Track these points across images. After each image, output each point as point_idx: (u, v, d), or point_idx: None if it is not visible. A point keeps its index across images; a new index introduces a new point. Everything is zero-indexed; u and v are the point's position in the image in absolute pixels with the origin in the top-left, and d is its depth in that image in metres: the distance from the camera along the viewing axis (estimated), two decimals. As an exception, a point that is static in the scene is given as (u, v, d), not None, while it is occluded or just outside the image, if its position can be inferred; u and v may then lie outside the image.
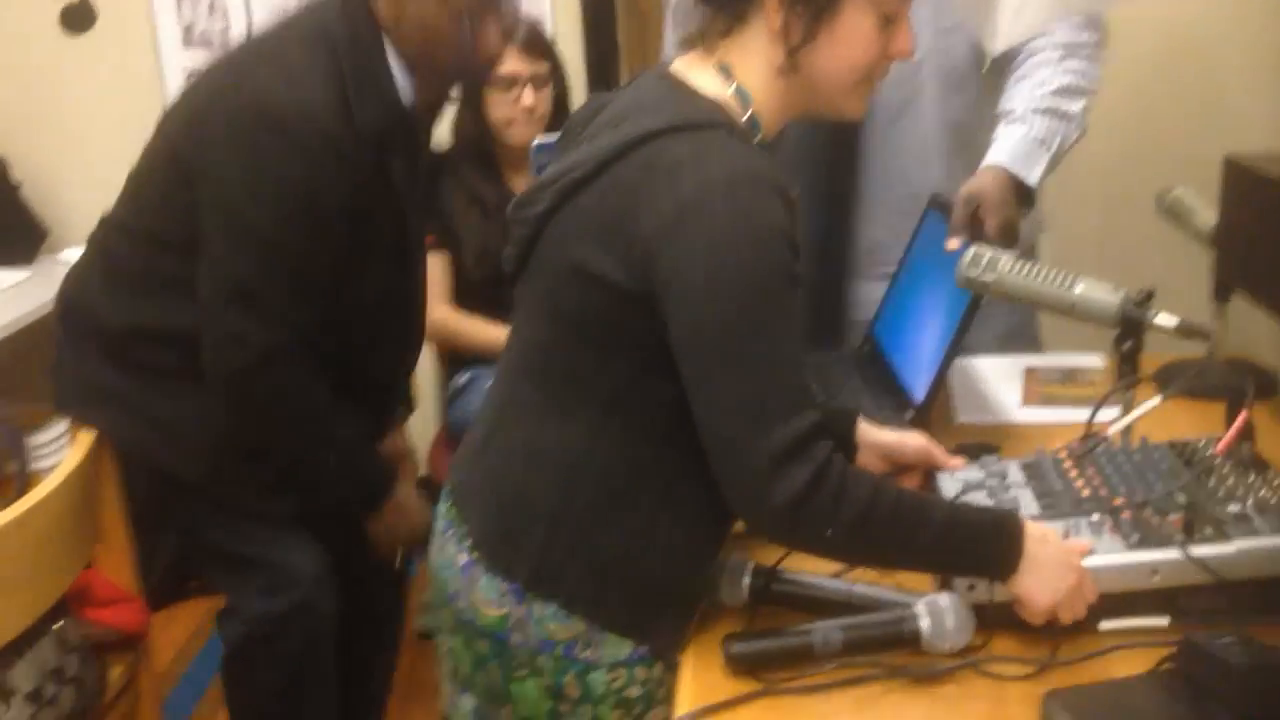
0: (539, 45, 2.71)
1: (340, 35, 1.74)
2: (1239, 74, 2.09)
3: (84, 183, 2.04)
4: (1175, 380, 1.85)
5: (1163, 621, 1.27)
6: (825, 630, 1.26)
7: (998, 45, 1.07)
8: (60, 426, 2.85)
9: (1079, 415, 1.56)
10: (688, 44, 1.34)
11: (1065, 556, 1.25)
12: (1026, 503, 1.39)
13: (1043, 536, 1.26)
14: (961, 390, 1.97)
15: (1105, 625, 1.28)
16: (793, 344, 1.20)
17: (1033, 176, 1.90)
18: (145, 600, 2.13)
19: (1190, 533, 1.28)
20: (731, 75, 1.29)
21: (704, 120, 1.24)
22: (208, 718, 2.37)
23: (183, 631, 3.05)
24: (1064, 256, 2.08)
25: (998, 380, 1.98)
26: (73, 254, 2.12)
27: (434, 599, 1.45)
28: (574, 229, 1.26)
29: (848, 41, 1.27)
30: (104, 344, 1.97)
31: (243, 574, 2.04)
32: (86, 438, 1.94)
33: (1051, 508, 1.37)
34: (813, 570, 1.36)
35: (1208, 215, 1.96)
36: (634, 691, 1.31)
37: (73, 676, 1.83)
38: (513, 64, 2.65)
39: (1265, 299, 1.82)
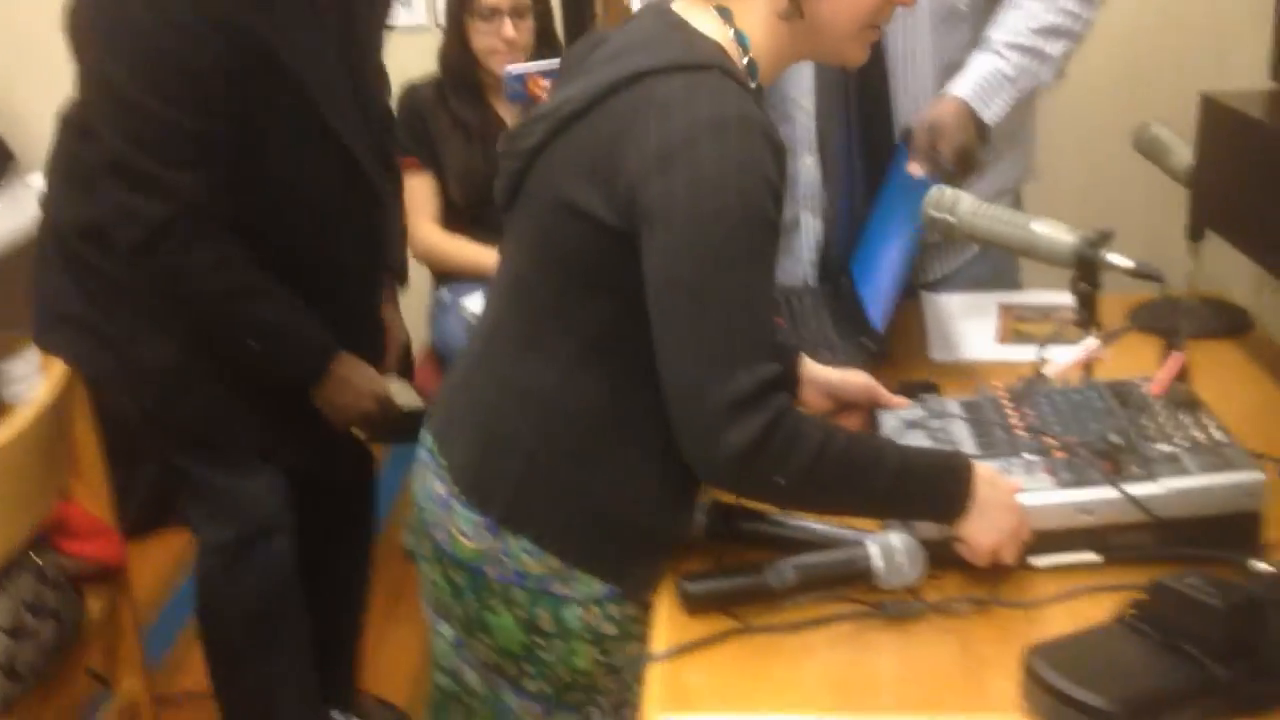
0: None
1: None
2: (1222, 14, 2.09)
3: (47, 103, 2.01)
4: (1142, 318, 1.90)
5: (1094, 557, 1.32)
6: (779, 567, 1.29)
7: None
8: (34, 354, 2.87)
9: (1052, 351, 1.59)
10: None
11: (1009, 499, 1.29)
12: (963, 440, 1.43)
13: (991, 479, 1.30)
14: (936, 327, 1.99)
15: (1038, 561, 1.33)
16: (763, 292, 1.22)
17: (990, 112, 1.90)
18: (124, 530, 2.17)
19: (1119, 472, 1.33)
20: (730, 19, 1.30)
21: (701, 61, 1.24)
22: (189, 648, 2.42)
23: (163, 561, 3.10)
24: (1049, 200, 2.12)
25: (972, 317, 2.00)
26: (39, 177, 2.12)
27: (414, 525, 1.48)
28: (563, 163, 1.27)
29: None
30: (61, 250, 1.96)
31: (201, 503, 2.10)
32: (58, 368, 1.97)
33: (988, 447, 1.41)
34: (769, 509, 1.39)
35: (1184, 154, 1.97)
36: (608, 628, 1.35)
37: (51, 610, 1.87)
38: None
39: (1238, 238, 1.85)
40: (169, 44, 1.65)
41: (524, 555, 1.33)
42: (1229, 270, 2.07)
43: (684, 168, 1.18)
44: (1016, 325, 1.98)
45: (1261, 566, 1.28)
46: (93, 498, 2.11)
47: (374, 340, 2.16)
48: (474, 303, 2.68)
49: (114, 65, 1.70)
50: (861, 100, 1.99)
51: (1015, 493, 1.30)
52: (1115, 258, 1.60)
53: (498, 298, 1.41)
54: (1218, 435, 1.38)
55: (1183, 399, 1.45)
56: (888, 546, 1.30)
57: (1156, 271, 1.55)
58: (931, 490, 1.28)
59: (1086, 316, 1.71)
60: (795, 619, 1.27)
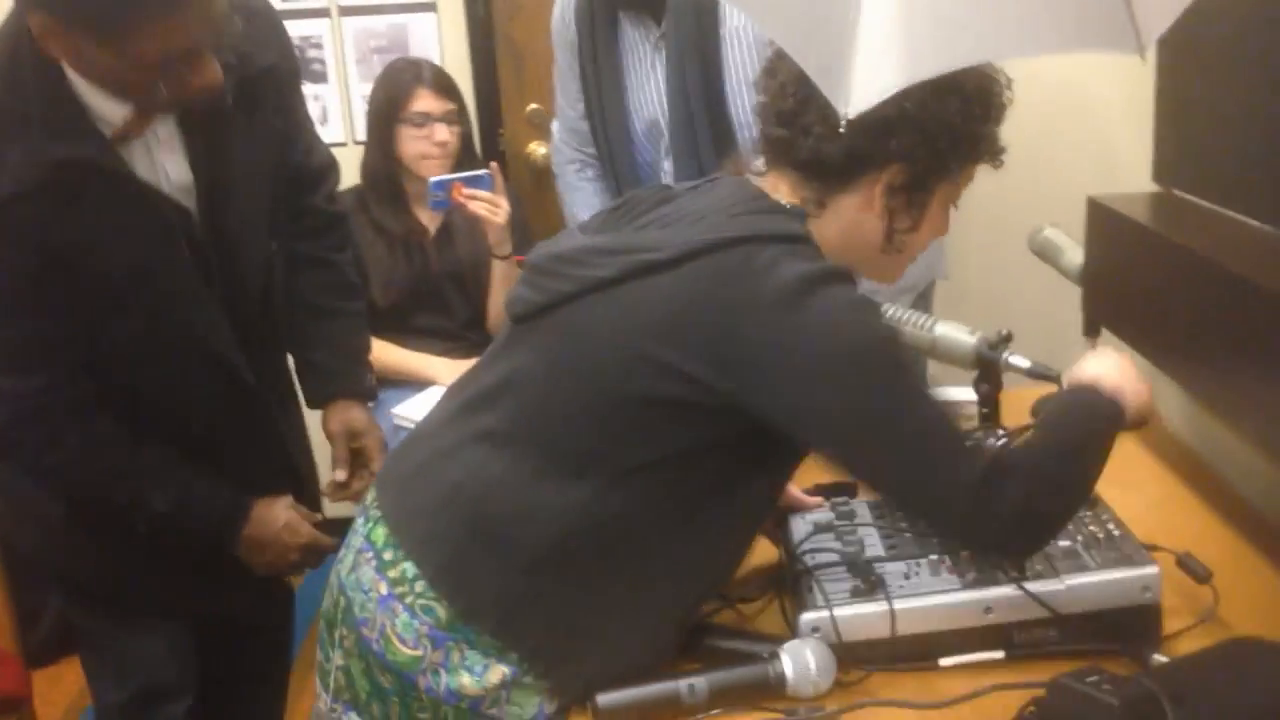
0: (448, 86, 2.85)
1: None
2: (1110, 120, 2.18)
3: None
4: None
5: (998, 655, 1.34)
6: (692, 680, 1.30)
7: (850, 109, 1.13)
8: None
9: None
10: (773, 159, 1.38)
11: (1127, 370, 1.42)
12: (873, 543, 1.45)
13: (1104, 373, 1.39)
14: None
15: (944, 661, 1.34)
16: (924, 390, 1.29)
17: None
18: (30, 658, 2.11)
19: (1022, 570, 1.35)
20: (804, 222, 1.35)
21: (795, 234, 1.30)
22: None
23: (74, 686, 3.00)
24: (957, 298, 2.17)
25: None
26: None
27: (331, 614, 1.45)
28: (646, 309, 1.27)
29: (930, 225, 1.38)
30: None
31: (95, 658, 1.99)
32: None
33: (894, 548, 1.43)
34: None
35: (1076, 254, 2.04)
36: None
37: (-52, 745, 1.80)
38: (425, 103, 2.79)
39: (1130, 335, 1.91)
40: None
41: (464, 675, 1.31)
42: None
43: (811, 326, 1.22)
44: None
45: (1162, 659, 1.31)
46: (-5, 625, 2.05)
47: (292, 472, 2.02)
48: (409, 409, 2.68)
49: None
50: (706, 101, 2.08)
51: (1121, 366, 1.42)
52: (1015, 358, 1.65)
53: (487, 400, 1.38)
54: (1114, 530, 1.41)
55: None
56: (800, 656, 1.31)
57: (1052, 372, 1.61)
58: (1101, 423, 1.34)
59: (989, 414, 1.76)
60: (707, 727, 1.27)
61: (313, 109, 3.49)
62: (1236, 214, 1.69)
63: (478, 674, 1.31)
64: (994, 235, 2.54)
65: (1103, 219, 1.93)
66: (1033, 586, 1.33)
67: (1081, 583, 1.34)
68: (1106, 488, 1.50)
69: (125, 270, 1.67)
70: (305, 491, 2.03)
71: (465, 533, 1.34)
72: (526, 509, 1.32)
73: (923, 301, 2.36)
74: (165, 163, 1.72)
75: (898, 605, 1.34)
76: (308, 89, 3.50)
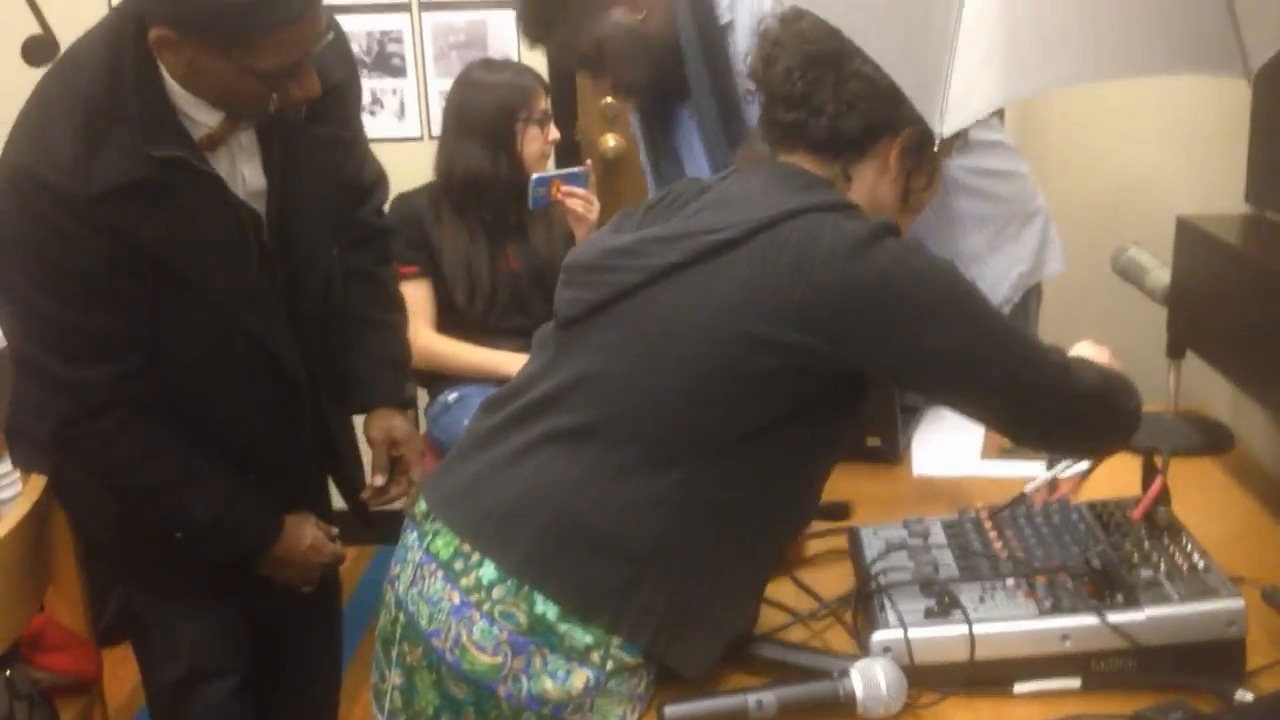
0: (546, 85, 2.90)
1: (95, 77, 1.65)
2: (1203, 139, 2.14)
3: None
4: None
5: (1075, 683, 1.32)
6: (760, 695, 1.29)
7: (946, 128, 1.12)
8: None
9: (1036, 469, 1.62)
10: (788, 142, 1.42)
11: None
12: (946, 563, 1.43)
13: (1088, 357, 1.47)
14: (921, 441, 2.00)
15: (1019, 688, 1.32)
16: (993, 305, 1.37)
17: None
18: (98, 639, 2.14)
19: (1101, 598, 1.33)
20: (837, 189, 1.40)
21: (845, 202, 1.35)
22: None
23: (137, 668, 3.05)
24: (1041, 317, 2.17)
25: (958, 431, 1.99)
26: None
27: (387, 632, 1.45)
28: (719, 288, 1.30)
29: (936, 182, 1.46)
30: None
31: (146, 640, 2.05)
32: (38, 479, 1.95)
33: (969, 569, 1.41)
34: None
35: (1161, 274, 2.01)
36: None
37: (22, 724, 1.84)
38: (543, 102, 2.85)
39: (1215, 356, 1.87)
40: (53, 250, 1.65)
41: (546, 677, 1.31)
42: (1210, 387, 2.08)
43: (890, 267, 1.28)
44: (1002, 442, 1.98)
45: (1246, 696, 1.28)
46: (68, 608, 2.08)
47: (336, 467, 2.11)
48: None
49: (10, 273, 1.71)
50: (713, 69, 1.98)
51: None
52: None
53: (552, 404, 1.38)
54: (1198, 560, 1.38)
55: (1164, 522, 1.45)
56: (871, 675, 1.29)
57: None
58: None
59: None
60: (775, 747, 1.26)
61: (390, 103, 3.54)
62: (1332, 239, 1.65)
63: (561, 679, 1.31)
64: (1083, 253, 2.50)
65: (1192, 239, 1.89)
66: (1113, 617, 1.30)
67: (1163, 614, 1.31)
68: (1189, 515, 1.47)
69: (200, 269, 1.73)
70: (346, 485, 2.12)
71: (557, 536, 1.33)
72: (623, 504, 1.32)
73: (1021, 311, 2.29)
74: (244, 169, 1.79)
75: (975, 629, 1.32)
76: (386, 83, 3.54)
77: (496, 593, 1.33)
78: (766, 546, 1.41)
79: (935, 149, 1.36)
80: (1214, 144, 2.04)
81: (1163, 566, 1.38)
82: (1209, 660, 1.31)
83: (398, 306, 2.18)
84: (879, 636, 1.34)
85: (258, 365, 1.85)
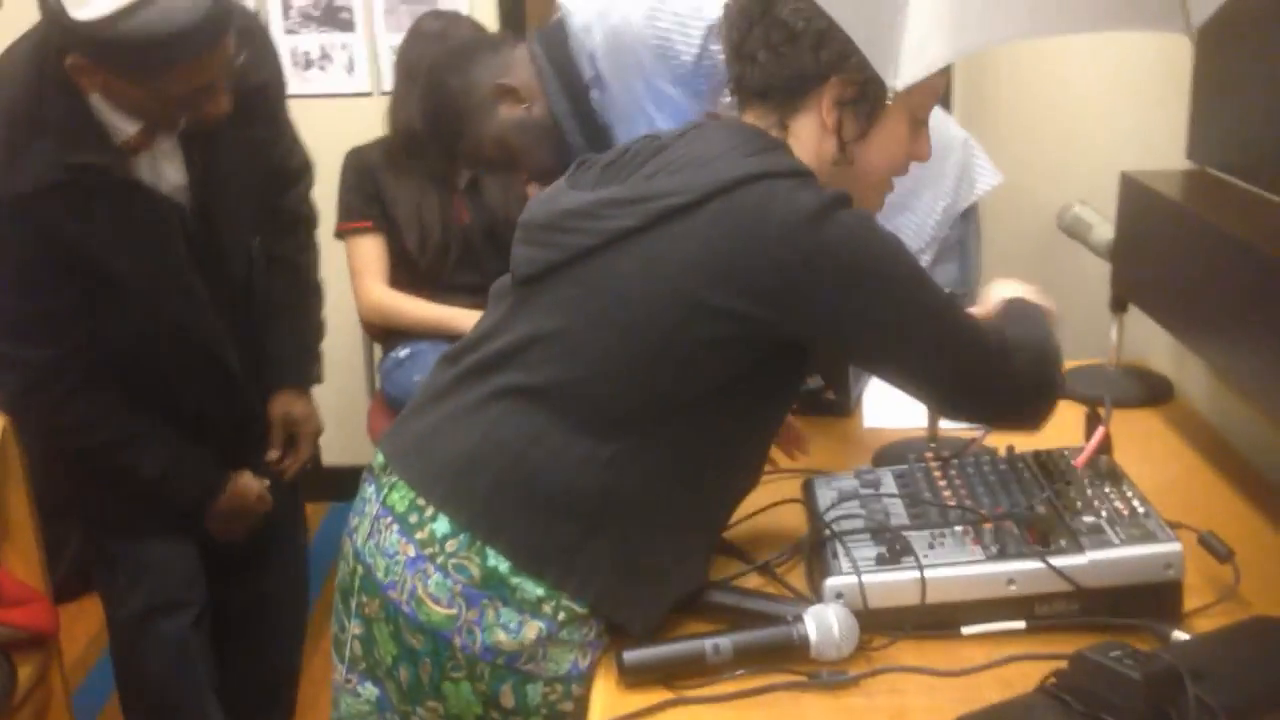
0: None
1: (18, 90, 1.80)
2: (1145, 96, 2.17)
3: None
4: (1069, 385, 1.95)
5: (1019, 625, 1.36)
6: (716, 640, 1.32)
7: (899, 82, 1.15)
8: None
9: None
10: (744, 103, 1.45)
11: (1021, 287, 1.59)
12: (897, 512, 1.47)
13: (1008, 288, 1.58)
14: (873, 395, 2.02)
15: (967, 630, 1.36)
16: (938, 286, 1.38)
17: None
18: (54, 592, 2.15)
19: (1045, 544, 1.37)
20: (786, 149, 1.41)
21: (801, 169, 1.36)
22: (119, 708, 2.38)
23: (94, 620, 3.04)
24: (985, 272, 2.20)
25: None
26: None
27: (345, 584, 1.47)
28: (674, 253, 1.31)
29: (888, 140, 1.43)
30: None
31: (109, 572, 2.12)
32: (-10, 433, 1.96)
33: (920, 518, 1.45)
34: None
35: (1105, 230, 2.05)
36: (566, 706, 1.37)
37: (-20, 679, 1.84)
38: None
39: (1156, 310, 1.92)
40: (2, 240, 1.81)
41: (499, 629, 1.33)
42: (1152, 340, 2.14)
43: (840, 238, 1.30)
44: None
45: (1182, 636, 1.33)
46: (24, 562, 2.09)
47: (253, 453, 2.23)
48: None
49: None
50: (587, 135, 2.05)
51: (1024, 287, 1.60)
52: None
53: (508, 359, 1.39)
54: (1139, 507, 1.43)
55: (1106, 471, 1.50)
56: (824, 619, 1.33)
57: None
58: (1044, 318, 1.52)
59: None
60: (731, 689, 1.29)
61: (339, 58, 3.52)
62: (1270, 194, 1.69)
63: (514, 631, 1.33)
64: (1025, 210, 2.54)
65: (1135, 195, 1.93)
66: (1056, 561, 1.35)
67: (1104, 558, 1.35)
68: (1130, 464, 1.52)
69: (125, 265, 1.89)
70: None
71: (508, 492, 1.35)
72: (572, 463, 1.34)
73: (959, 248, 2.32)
74: (165, 168, 1.93)
75: (925, 574, 1.36)
76: (335, 38, 3.51)
77: (450, 546, 1.35)
78: (713, 509, 1.45)
79: (875, 101, 1.37)
80: (1158, 101, 2.07)
81: (1104, 513, 1.42)
82: (1147, 602, 1.35)
83: (312, 291, 2.33)
84: (832, 582, 1.37)
85: (188, 349, 2.01)
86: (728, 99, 1.50)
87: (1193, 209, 1.79)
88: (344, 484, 3.08)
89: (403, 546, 1.38)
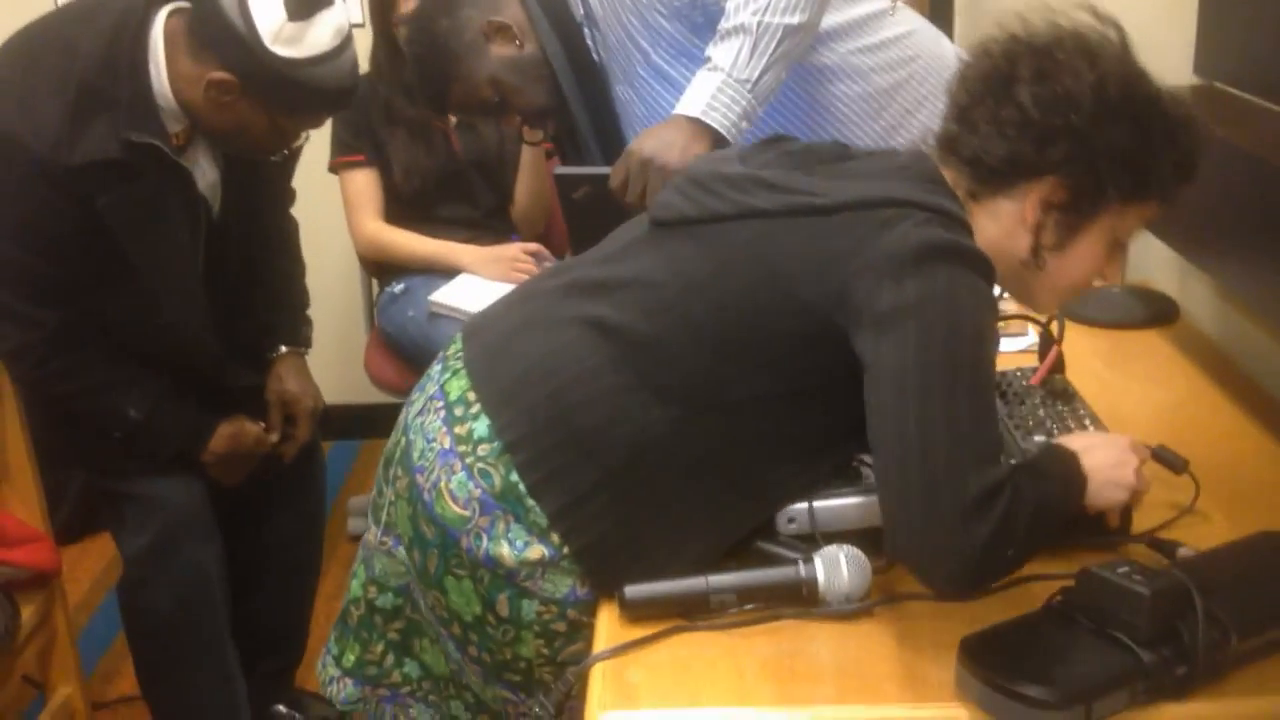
0: None
1: (91, 63, 1.81)
2: (1151, 10, 2.13)
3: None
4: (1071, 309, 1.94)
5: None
6: (721, 580, 1.30)
7: None
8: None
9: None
10: (943, 150, 1.36)
11: (1116, 455, 1.31)
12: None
13: (1086, 447, 1.31)
14: None
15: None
16: (989, 401, 1.25)
17: (718, 115, 1.76)
18: (57, 535, 2.15)
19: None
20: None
21: (953, 211, 1.29)
22: (124, 653, 2.39)
23: (98, 564, 3.06)
24: None
25: None
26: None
27: (390, 452, 1.48)
28: (786, 243, 1.30)
29: (1085, 255, 1.33)
30: None
31: (118, 511, 2.11)
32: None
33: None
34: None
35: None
36: (559, 626, 1.36)
37: (-17, 618, 1.85)
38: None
39: (1160, 228, 1.88)
40: (24, 206, 1.83)
41: (504, 542, 1.33)
42: (1157, 260, 2.11)
43: (939, 287, 1.21)
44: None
45: (1187, 552, 1.32)
46: (24, 503, 2.08)
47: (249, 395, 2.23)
48: (445, 296, 2.68)
49: None
50: (580, 76, 2.02)
51: (1117, 445, 1.32)
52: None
53: (604, 290, 1.37)
54: (1088, 424, 1.43)
55: (1059, 389, 1.49)
56: (831, 560, 1.29)
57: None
58: (1065, 490, 1.27)
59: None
60: (737, 619, 1.28)
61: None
62: (1278, 107, 1.66)
63: (518, 548, 1.33)
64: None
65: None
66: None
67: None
68: (1130, 382, 1.51)
69: (148, 244, 1.92)
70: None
71: (547, 414, 1.34)
72: (612, 414, 1.32)
73: None
74: (205, 164, 1.99)
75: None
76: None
77: (481, 450, 1.35)
78: (725, 523, 1.35)
79: (1082, 214, 1.30)
80: (1164, 15, 2.03)
81: (1056, 430, 1.41)
82: (1095, 520, 1.32)
83: (298, 258, 2.35)
84: (784, 511, 1.34)
85: (180, 332, 2.04)
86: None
87: (1201, 124, 1.75)
88: (342, 423, 3.08)
89: (440, 435, 1.39)
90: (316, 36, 1.81)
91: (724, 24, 1.77)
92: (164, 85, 1.85)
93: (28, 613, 2.01)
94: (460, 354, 1.45)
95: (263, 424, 2.19)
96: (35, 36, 1.90)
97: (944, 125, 1.36)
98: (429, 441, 1.40)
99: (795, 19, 1.73)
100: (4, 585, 1.95)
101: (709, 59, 1.77)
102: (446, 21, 1.94)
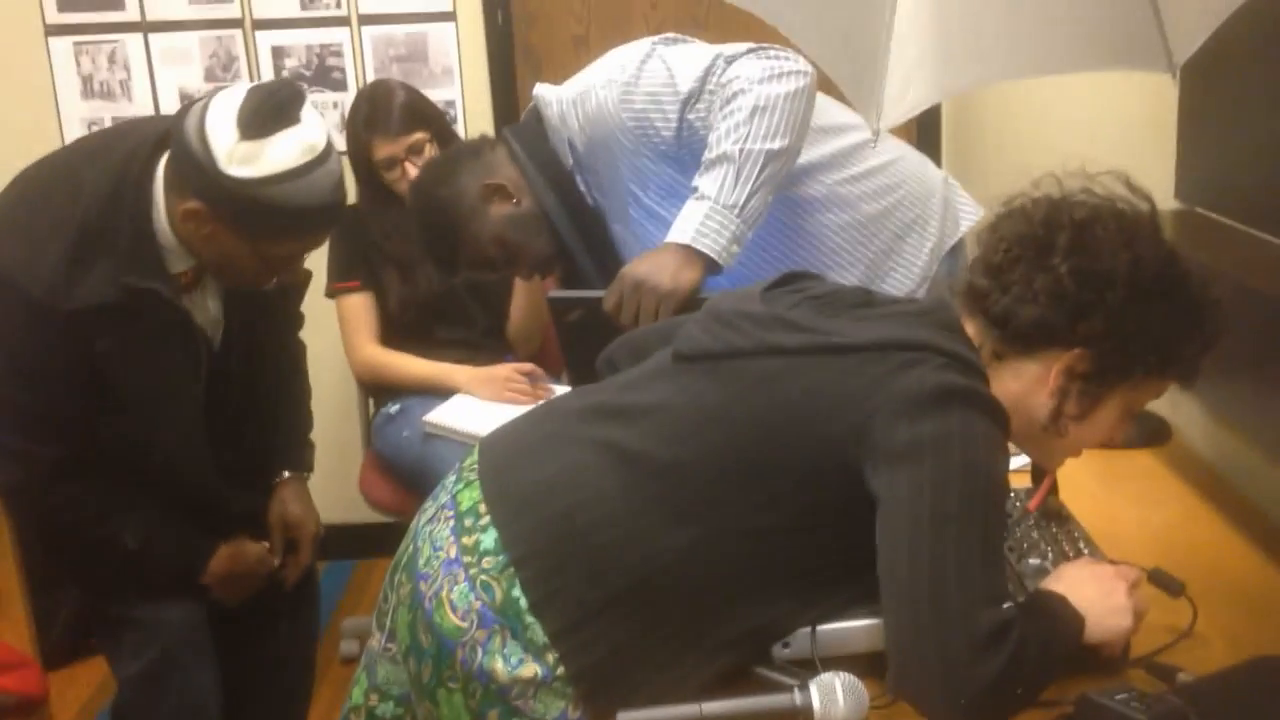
0: (407, 121, 2.80)
1: (95, 203, 1.80)
2: (1133, 137, 2.18)
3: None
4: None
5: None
6: (714, 708, 1.28)
7: (883, 124, 1.15)
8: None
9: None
10: (969, 302, 1.37)
11: (1103, 584, 1.31)
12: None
13: (1069, 586, 1.30)
14: None
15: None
16: (999, 544, 1.28)
17: (708, 242, 1.81)
18: (45, 660, 2.12)
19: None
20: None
21: (971, 360, 1.30)
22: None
23: (85, 689, 3.01)
24: None
25: None
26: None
27: (399, 559, 1.47)
28: (806, 380, 1.31)
29: (1100, 423, 1.35)
30: None
31: (114, 634, 2.07)
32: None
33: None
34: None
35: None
36: None
37: (-33, 747, 1.82)
38: (386, 149, 2.78)
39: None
40: (20, 346, 1.82)
41: (499, 658, 1.32)
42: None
43: (954, 430, 1.22)
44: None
45: (1186, 677, 1.31)
46: (13, 628, 2.07)
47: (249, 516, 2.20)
48: (439, 416, 2.68)
49: None
50: (578, 223, 2.08)
51: (1098, 575, 1.32)
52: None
53: (623, 416, 1.40)
54: (1083, 548, 1.43)
55: (1053, 513, 1.50)
56: (827, 688, 1.27)
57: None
58: (1066, 628, 1.27)
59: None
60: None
61: (331, 117, 3.53)
62: (1259, 232, 1.69)
63: (512, 665, 1.32)
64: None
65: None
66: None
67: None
68: (1125, 503, 1.51)
69: (147, 384, 1.90)
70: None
71: (557, 532, 1.34)
72: (625, 536, 1.32)
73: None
74: (208, 301, 1.96)
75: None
76: (327, 96, 3.53)
77: (486, 562, 1.35)
78: (724, 655, 1.34)
79: (1106, 386, 1.31)
80: (1144, 140, 2.08)
81: (1051, 554, 1.41)
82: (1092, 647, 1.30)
83: (303, 382, 2.32)
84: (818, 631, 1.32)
85: (177, 470, 2.00)
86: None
87: (1183, 249, 1.78)
88: (337, 543, 3.05)
89: (448, 544, 1.39)
90: (277, 154, 1.74)
91: (708, 155, 1.82)
92: (164, 224, 1.83)
93: (13, 741, 1.98)
94: (475, 466, 1.45)
95: (266, 544, 2.16)
96: (46, 171, 1.91)
97: (971, 278, 1.36)
98: (436, 550, 1.40)
99: (776, 144, 1.78)
100: (-10, 712, 1.92)
101: (696, 188, 1.83)
102: (446, 190, 2.03)
